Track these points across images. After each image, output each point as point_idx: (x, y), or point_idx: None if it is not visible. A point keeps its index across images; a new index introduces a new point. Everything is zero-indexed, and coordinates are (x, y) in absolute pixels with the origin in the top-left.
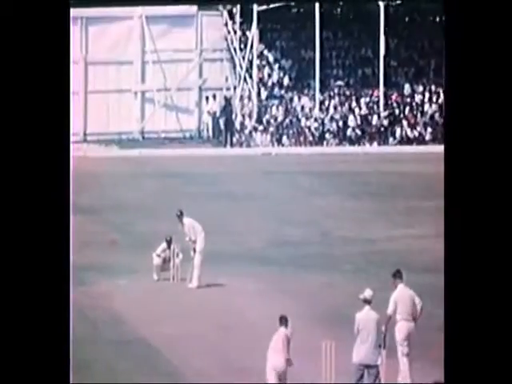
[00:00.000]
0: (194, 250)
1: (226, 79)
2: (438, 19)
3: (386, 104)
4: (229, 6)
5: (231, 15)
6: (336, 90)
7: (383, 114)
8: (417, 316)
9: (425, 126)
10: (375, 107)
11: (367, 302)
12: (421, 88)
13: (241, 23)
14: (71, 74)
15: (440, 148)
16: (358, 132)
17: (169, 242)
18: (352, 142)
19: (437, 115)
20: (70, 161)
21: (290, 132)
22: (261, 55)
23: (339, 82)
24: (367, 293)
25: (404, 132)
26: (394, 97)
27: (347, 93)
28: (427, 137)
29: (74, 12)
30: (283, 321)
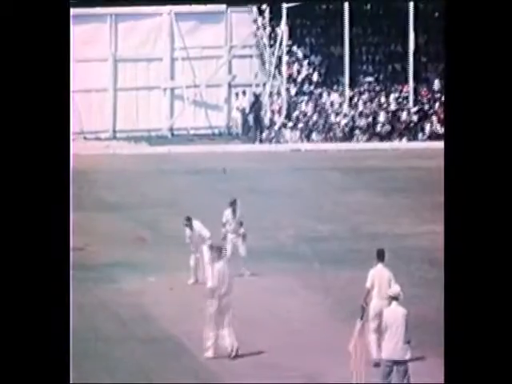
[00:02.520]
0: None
1: (256, 75)
2: None
3: (415, 100)
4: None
5: (260, 11)
6: (365, 86)
7: (413, 109)
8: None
9: None
10: (405, 103)
11: (395, 298)
12: None
13: (270, 19)
14: (71, 74)
15: None
16: (388, 128)
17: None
18: (381, 137)
19: None
20: (70, 160)
21: (320, 128)
22: (290, 51)
23: (369, 78)
24: (395, 289)
25: (433, 128)
26: (423, 92)
27: (377, 88)
28: None
29: (102, 9)
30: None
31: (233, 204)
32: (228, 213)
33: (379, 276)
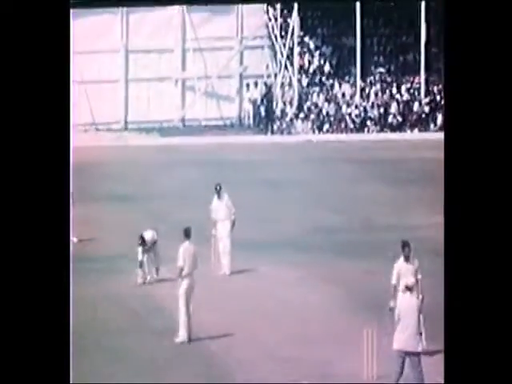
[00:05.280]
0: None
1: (267, 66)
2: None
3: (427, 90)
4: None
5: (272, 2)
6: (377, 77)
7: (424, 100)
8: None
9: None
10: (416, 94)
11: (409, 288)
12: None
13: (281, 10)
14: (71, 73)
15: None
16: (399, 119)
17: (142, 238)
18: (393, 128)
19: None
20: (70, 154)
21: (331, 119)
22: (301, 42)
23: (380, 69)
24: (409, 280)
25: None
26: (435, 83)
27: (388, 79)
28: None
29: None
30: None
31: (217, 189)
32: (215, 199)
33: (404, 269)
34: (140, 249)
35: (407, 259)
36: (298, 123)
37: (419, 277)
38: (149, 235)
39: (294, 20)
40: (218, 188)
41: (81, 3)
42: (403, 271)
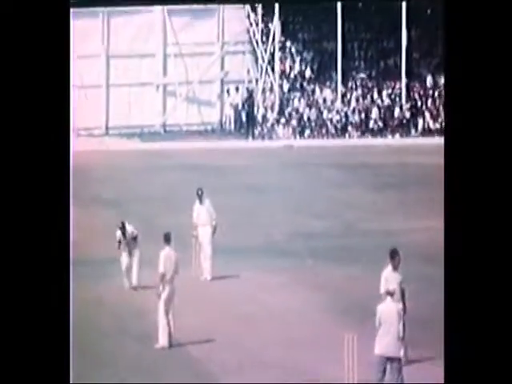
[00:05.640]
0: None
1: (248, 72)
2: None
3: (408, 96)
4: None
5: (253, 7)
6: (358, 82)
7: (405, 105)
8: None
9: None
10: (397, 99)
11: (390, 294)
12: (443, 79)
13: (263, 15)
14: (71, 74)
15: None
16: (380, 124)
17: (122, 228)
18: (374, 133)
19: None
20: (70, 156)
21: (312, 124)
22: (283, 47)
23: (361, 74)
24: (390, 285)
25: (426, 124)
26: (416, 88)
27: (369, 85)
28: None
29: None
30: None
31: (198, 194)
32: (196, 203)
33: (391, 278)
34: (119, 233)
35: (395, 268)
36: (279, 128)
37: (403, 286)
38: (129, 227)
39: (275, 25)
40: (200, 193)
41: (81, 3)
42: (390, 279)
